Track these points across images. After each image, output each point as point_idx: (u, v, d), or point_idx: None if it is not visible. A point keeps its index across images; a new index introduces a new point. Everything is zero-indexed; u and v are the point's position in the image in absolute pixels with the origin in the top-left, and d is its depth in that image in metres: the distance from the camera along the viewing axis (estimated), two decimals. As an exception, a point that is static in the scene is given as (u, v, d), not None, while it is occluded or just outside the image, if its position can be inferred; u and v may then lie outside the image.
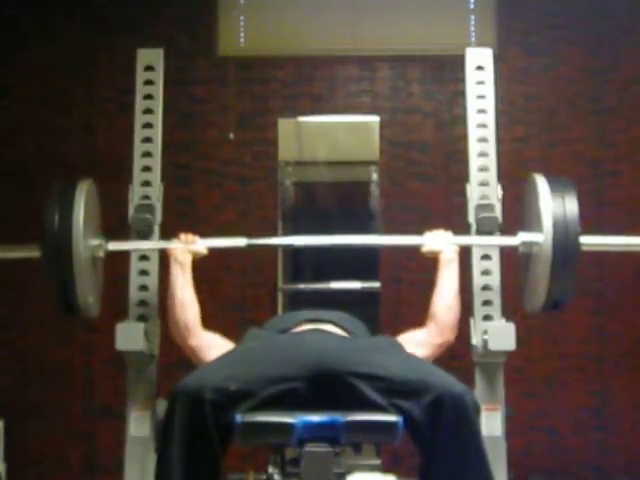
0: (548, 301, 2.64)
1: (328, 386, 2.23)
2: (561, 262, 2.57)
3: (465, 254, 2.85)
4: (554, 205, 2.60)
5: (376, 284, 3.96)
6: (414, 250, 2.78)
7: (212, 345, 2.54)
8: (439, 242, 2.72)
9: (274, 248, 4.03)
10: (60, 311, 2.64)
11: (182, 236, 2.74)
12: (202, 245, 2.74)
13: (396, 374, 2.24)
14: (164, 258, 2.83)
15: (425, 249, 2.74)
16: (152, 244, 2.87)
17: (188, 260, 2.69)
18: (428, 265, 2.75)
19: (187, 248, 2.71)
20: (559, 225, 2.57)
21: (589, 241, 2.66)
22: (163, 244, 2.81)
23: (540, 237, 2.60)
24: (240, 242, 2.80)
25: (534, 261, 2.68)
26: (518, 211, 2.86)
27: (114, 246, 2.78)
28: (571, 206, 2.60)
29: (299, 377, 2.24)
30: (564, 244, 2.56)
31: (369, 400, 2.22)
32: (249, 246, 2.80)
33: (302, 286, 4.04)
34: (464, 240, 2.81)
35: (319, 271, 4.01)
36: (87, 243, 2.61)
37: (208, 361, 2.44)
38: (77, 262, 2.54)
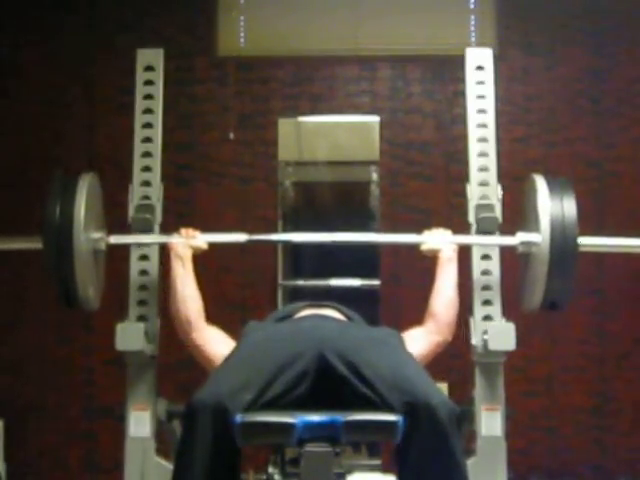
0: (545, 301, 2.66)
1: (326, 377, 2.26)
2: (559, 262, 2.59)
3: (465, 254, 2.85)
4: (552, 205, 2.62)
5: (376, 282, 3.96)
6: (414, 250, 2.78)
7: (214, 340, 2.54)
8: (438, 241, 2.74)
9: (274, 247, 4.03)
10: (60, 303, 2.64)
11: (183, 231, 2.76)
12: (202, 240, 2.76)
13: (380, 384, 2.22)
14: (164, 256, 2.83)
15: (424, 247, 2.76)
16: (153, 238, 2.88)
17: (188, 254, 2.71)
18: (428, 266, 2.75)
19: (188, 243, 2.73)
20: (557, 225, 2.59)
21: (587, 242, 2.68)
22: (164, 238, 2.83)
23: (538, 237, 2.62)
24: (240, 238, 2.83)
25: (532, 261, 2.69)
26: (518, 211, 2.87)
27: (115, 239, 2.80)
28: (569, 207, 2.62)
29: (301, 371, 2.26)
30: (562, 244, 2.58)
31: (361, 392, 2.23)
32: (249, 242, 2.83)
33: (301, 282, 4.04)
34: (463, 239, 2.82)
35: (319, 272, 4.00)
36: (88, 235, 2.62)
37: (210, 356, 2.47)
38: (78, 254, 2.56)
